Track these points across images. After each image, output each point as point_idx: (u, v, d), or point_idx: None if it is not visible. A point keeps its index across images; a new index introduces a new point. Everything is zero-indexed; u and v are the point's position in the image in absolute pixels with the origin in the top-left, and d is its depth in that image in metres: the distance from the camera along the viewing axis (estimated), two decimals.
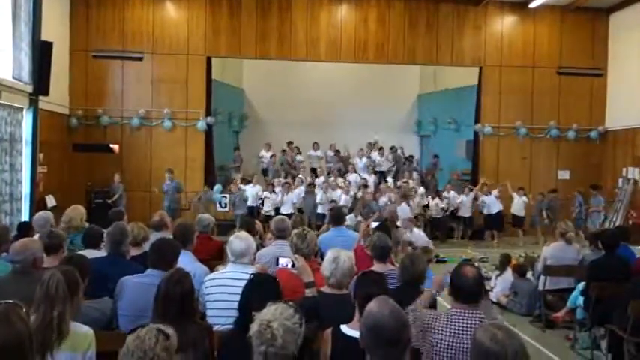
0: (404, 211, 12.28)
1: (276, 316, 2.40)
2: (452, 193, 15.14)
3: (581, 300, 6.64)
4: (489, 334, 2.22)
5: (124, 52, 15.58)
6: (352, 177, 15.40)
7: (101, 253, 4.82)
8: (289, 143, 17.10)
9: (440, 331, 2.96)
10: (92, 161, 15.20)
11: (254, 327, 2.40)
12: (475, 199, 14.66)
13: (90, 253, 4.51)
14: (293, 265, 3.99)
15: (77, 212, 5.89)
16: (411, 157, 17.75)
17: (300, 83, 19.21)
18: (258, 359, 2.39)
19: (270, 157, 16.42)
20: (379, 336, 2.34)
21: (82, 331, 2.95)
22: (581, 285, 6.63)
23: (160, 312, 3.13)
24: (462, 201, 14.57)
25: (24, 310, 2.31)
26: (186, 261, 4.54)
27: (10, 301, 2.34)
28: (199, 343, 3.09)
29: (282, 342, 2.36)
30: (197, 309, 3.41)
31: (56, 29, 14.07)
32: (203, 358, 3.08)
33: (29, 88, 12.26)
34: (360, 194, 14.19)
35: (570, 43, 16.63)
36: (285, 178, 15.29)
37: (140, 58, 15.64)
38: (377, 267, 4.68)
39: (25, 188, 12.33)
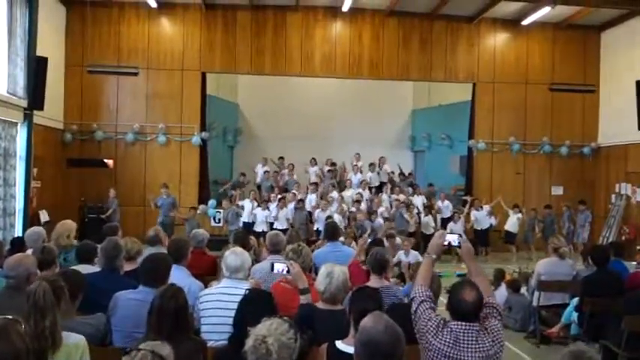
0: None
1: (271, 332, 2.42)
2: (446, 202, 15.21)
3: (575, 316, 6.64)
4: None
5: (119, 67, 15.62)
6: (348, 193, 15.39)
7: (95, 268, 4.80)
8: (280, 158, 17.10)
9: (439, 341, 2.96)
10: (86, 176, 15.17)
11: (249, 342, 2.42)
12: (467, 220, 14.62)
13: (84, 269, 4.48)
14: (288, 271, 4.00)
15: (65, 228, 5.78)
16: (410, 174, 17.68)
17: (295, 98, 19.26)
18: None
19: (264, 172, 16.38)
20: (374, 352, 2.34)
21: (73, 341, 2.93)
22: (575, 300, 6.64)
23: (154, 327, 3.12)
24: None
25: (22, 326, 2.30)
26: (181, 276, 4.52)
27: (9, 316, 2.34)
28: (193, 359, 3.08)
29: (277, 357, 2.38)
30: (191, 324, 3.39)
31: (51, 44, 14.12)
32: None
33: (24, 103, 12.28)
34: (353, 209, 14.20)
35: (562, 60, 16.79)
36: (278, 193, 15.22)
37: (135, 73, 15.68)
38: (373, 281, 4.68)
39: (19, 203, 12.30)
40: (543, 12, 14.96)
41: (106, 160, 15.36)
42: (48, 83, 12.69)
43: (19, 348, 2.18)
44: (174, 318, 3.14)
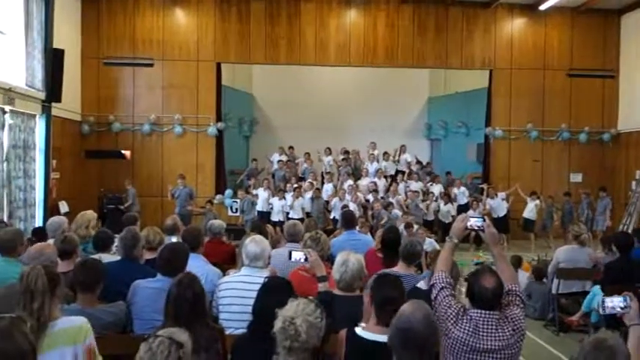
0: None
1: (298, 313, 2.50)
2: (462, 188, 15.20)
3: (596, 303, 6.57)
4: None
5: (134, 59, 15.68)
6: (364, 181, 15.36)
7: (115, 257, 4.84)
8: (290, 148, 17.09)
9: (458, 329, 2.94)
10: (104, 167, 15.31)
11: (277, 324, 2.49)
12: (484, 206, 14.54)
13: (103, 258, 4.54)
14: (306, 259, 4.00)
15: (85, 219, 5.82)
16: (428, 163, 17.64)
17: (310, 88, 19.24)
18: (282, 353, 2.47)
19: (278, 161, 16.39)
20: (408, 338, 2.37)
21: (75, 325, 2.94)
22: (597, 288, 6.58)
23: (172, 315, 3.15)
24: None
25: (28, 324, 2.31)
26: (198, 264, 4.55)
27: (14, 315, 2.35)
28: (211, 346, 3.10)
29: (306, 337, 2.45)
30: (207, 312, 3.41)
31: (68, 37, 14.19)
32: None
33: (42, 96, 12.38)
34: (370, 198, 14.19)
35: (581, 45, 16.55)
36: (294, 182, 15.22)
37: (151, 65, 15.74)
38: (399, 268, 4.70)
39: (39, 194, 12.43)
40: None
41: (123, 152, 15.46)
42: (65, 75, 12.79)
43: (23, 347, 2.18)
44: (191, 305, 3.16)
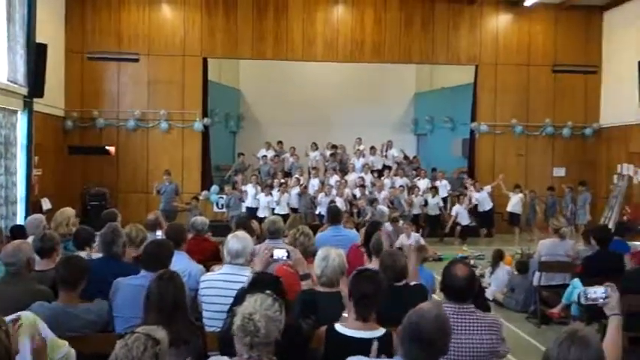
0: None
1: (256, 308, 2.50)
2: (444, 181, 15.37)
3: (576, 296, 6.65)
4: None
5: (119, 54, 15.57)
6: (351, 177, 15.39)
7: (96, 255, 4.81)
8: (279, 143, 17.07)
9: None
10: (88, 163, 15.20)
11: (237, 321, 2.50)
12: (469, 200, 14.68)
13: (83, 255, 4.50)
14: (289, 256, 3.97)
15: (64, 216, 5.75)
16: (415, 157, 17.71)
17: (297, 83, 19.20)
18: (243, 350, 2.48)
19: (262, 157, 16.37)
20: (415, 336, 2.36)
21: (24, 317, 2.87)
22: (576, 281, 6.65)
23: (151, 311, 3.15)
24: (456, 210, 14.48)
25: (4, 327, 2.29)
26: (181, 261, 4.55)
27: None
28: (191, 340, 3.10)
29: (266, 332, 2.46)
30: (188, 307, 3.41)
31: (51, 31, 14.04)
32: (195, 356, 3.09)
33: (24, 91, 12.21)
34: (357, 192, 14.24)
35: (565, 41, 16.66)
36: (280, 178, 15.20)
37: (136, 60, 15.63)
38: (374, 264, 4.70)
39: (21, 191, 12.28)
40: None
41: (107, 147, 15.35)
42: (48, 70, 12.62)
43: (5, 345, 2.18)
44: (171, 302, 3.16)
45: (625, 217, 14.41)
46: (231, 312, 3.10)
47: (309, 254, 4.54)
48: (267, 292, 2.64)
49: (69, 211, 5.87)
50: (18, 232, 6.21)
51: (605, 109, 16.53)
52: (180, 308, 3.19)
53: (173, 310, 3.13)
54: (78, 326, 3.61)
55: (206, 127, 16.01)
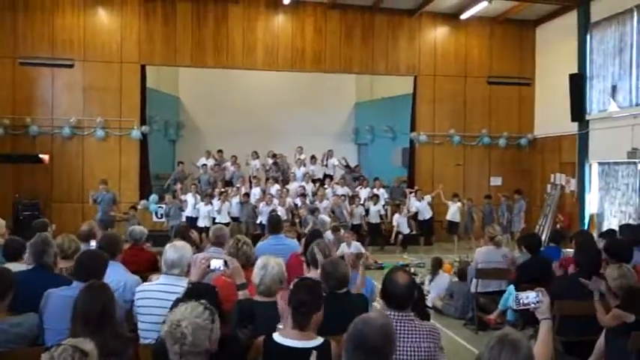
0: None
1: (185, 315, 2.49)
2: (381, 190, 15.57)
3: (511, 302, 6.83)
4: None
5: (53, 59, 15.08)
6: (293, 186, 15.38)
7: (25, 266, 4.61)
8: (219, 151, 16.92)
9: None
10: (20, 172, 14.64)
11: (164, 328, 2.50)
12: (407, 210, 14.92)
13: (13, 267, 4.32)
14: (226, 266, 3.91)
15: None
16: (357, 166, 17.87)
17: (238, 91, 19.07)
18: (174, 359, 2.46)
19: (202, 165, 16.18)
20: (359, 344, 2.36)
21: None
22: (512, 287, 6.84)
23: (77, 323, 3.07)
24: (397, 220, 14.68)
25: None
26: (116, 272, 4.42)
27: None
28: (121, 353, 3.02)
29: (193, 339, 2.44)
30: (118, 319, 3.32)
31: None
32: None
33: None
34: (298, 202, 14.24)
35: (500, 54, 17.24)
36: (220, 187, 15.04)
37: (71, 66, 15.18)
38: (312, 273, 4.68)
39: None
40: (481, 6, 15.29)
41: (41, 156, 14.81)
42: None
43: None
44: (99, 313, 3.09)
45: (558, 225, 14.96)
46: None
47: (248, 265, 4.49)
48: (202, 301, 2.62)
49: None
50: None
51: (539, 120, 17.18)
52: (107, 319, 3.12)
53: (100, 322, 3.06)
54: (6, 340, 3.46)
55: (144, 135, 15.69)
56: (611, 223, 13.56)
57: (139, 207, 14.17)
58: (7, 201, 13.97)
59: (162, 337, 3.16)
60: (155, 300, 3.83)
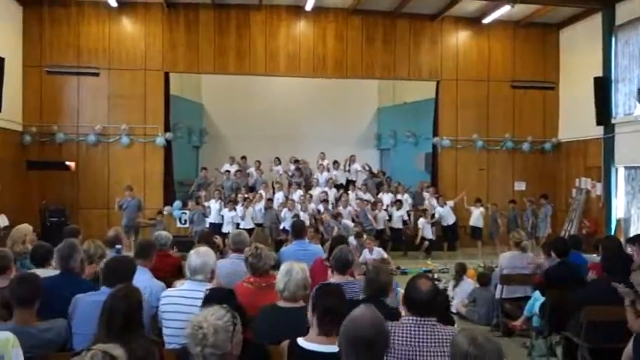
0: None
1: (207, 318, 2.53)
2: (405, 195, 15.44)
3: (537, 308, 6.75)
4: (469, 338, 2.28)
5: (79, 68, 15.33)
6: (315, 191, 15.39)
7: (52, 272, 4.67)
8: (243, 158, 17.00)
9: (396, 339, 2.96)
10: (47, 179, 14.85)
11: (187, 330, 2.54)
12: (432, 214, 14.82)
13: (42, 273, 4.37)
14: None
15: (19, 234, 5.56)
16: (381, 172, 17.82)
17: (260, 97, 19.17)
18: None
19: (225, 172, 16.25)
20: (353, 341, 2.39)
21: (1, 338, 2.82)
22: (537, 293, 6.76)
23: (105, 327, 3.09)
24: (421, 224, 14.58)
25: None
26: (143, 278, 4.46)
27: None
28: (147, 359, 3.04)
29: (214, 341, 2.47)
30: (144, 324, 3.35)
31: (8, 44, 13.80)
32: None
33: None
34: (321, 208, 14.23)
35: (523, 57, 17.08)
36: (244, 193, 15.09)
37: (96, 74, 15.41)
38: (335, 278, 4.68)
39: None
40: (503, 10, 15.15)
41: (67, 163, 15.05)
42: (5, 84, 12.40)
43: None
44: (125, 318, 3.10)
45: (584, 230, 14.74)
46: None
47: (267, 272, 4.50)
48: (224, 305, 2.65)
49: (25, 228, 5.70)
50: None
51: (564, 124, 16.96)
52: (134, 326, 3.13)
53: (124, 327, 3.07)
54: (35, 346, 3.50)
55: (168, 142, 15.85)
56: (638, 228, 13.32)
57: (165, 213, 14.30)
58: (34, 207, 14.21)
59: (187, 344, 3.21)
60: (179, 305, 3.86)
